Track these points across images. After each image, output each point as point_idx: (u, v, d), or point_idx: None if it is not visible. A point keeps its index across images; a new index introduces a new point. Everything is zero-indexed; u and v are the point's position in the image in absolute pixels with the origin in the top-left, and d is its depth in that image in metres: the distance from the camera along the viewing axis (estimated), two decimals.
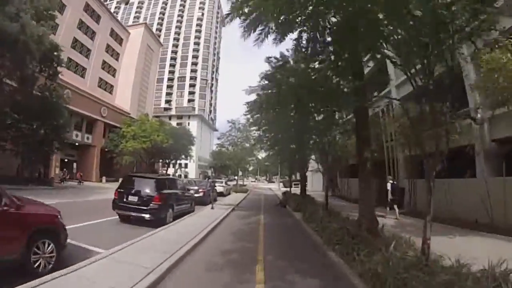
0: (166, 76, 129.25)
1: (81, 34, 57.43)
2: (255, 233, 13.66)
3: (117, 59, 71.00)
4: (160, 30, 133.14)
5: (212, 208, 20.02)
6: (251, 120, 26.45)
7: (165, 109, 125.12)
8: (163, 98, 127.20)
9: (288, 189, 42.33)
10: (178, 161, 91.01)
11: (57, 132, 33.47)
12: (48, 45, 28.51)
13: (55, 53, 30.61)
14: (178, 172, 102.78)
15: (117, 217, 14.41)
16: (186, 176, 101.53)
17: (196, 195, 22.87)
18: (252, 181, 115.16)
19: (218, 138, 61.26)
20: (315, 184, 51.48)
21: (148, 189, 13.93)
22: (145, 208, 13.40)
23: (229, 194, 37.52)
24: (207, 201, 22.87)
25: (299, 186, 51.42)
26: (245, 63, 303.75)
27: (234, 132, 44.81)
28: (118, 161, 53.93)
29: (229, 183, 47.85)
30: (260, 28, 10.61)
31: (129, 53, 74.49)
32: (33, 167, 37.52)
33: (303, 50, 11.42)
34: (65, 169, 48.23)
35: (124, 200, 13.82)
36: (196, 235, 11.44)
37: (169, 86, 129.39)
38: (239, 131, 44.52)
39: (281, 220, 18.56)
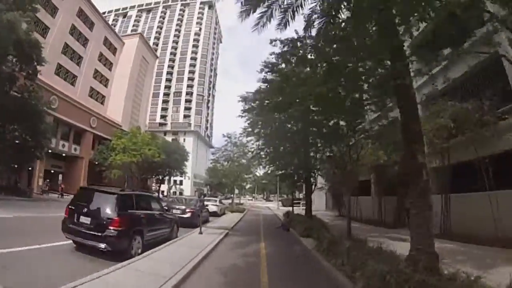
0: (162, 91, 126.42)
1: (73, 40, 54.32)
2: (255, 272, 9.66)
3: (110, 69, 67.57)
4: (157, 44, 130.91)
5: (201, 233, 15.80)
6: (249, 129, 22.83)
7: (160, 124, 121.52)
8: (159, 113, 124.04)
9: (290, 208, 38.45)
10: (173, 178, 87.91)
11: (37, 138, 30.06)
12: (23, 36, 25.36)
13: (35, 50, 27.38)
14: (173, 189, 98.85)
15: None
16: (181, 193, 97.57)
17: (182, 215, 18.90)
18: (249, 199, 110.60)
19: (213, 154, 57.34)
20: (316, 203, 47.40)
21: (106, 208, 9.69)
22: (100, 234, 9.24)
23: (223, 214, 33.12)
24: (196, 223, 18.28)
25: (300, 205, 47.59)
26: (243, 83, 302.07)
27: (230, 147, 40.82)
28: (107, 175, 49.84)
29: (224, 201, 43.76)
30: (262, 7, 9.12)
31: (123, 63, 71.11)
32: (9, 175, 34.40)
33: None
34: (47, 180, 44.63)
35: (75, 221, 9.72)
36: (167, 280, 7.43)
37: (165, 101, 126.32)
38: (235, 146, 40.56)
39: (287, 249, 14.56)
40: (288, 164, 24.25)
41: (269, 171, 32.33)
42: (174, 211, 18.98)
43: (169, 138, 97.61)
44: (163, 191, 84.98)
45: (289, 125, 20.65)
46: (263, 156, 25.40)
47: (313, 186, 25.19)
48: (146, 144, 48.84)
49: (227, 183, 54.13)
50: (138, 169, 51.92)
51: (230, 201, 57.89)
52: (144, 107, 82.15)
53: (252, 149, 24.92)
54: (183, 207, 20.19)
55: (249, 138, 24.68)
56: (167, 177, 67.66)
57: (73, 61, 54.89)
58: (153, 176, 63.55)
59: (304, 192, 58.27)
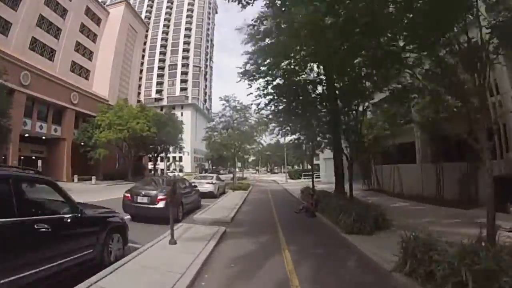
0: (156, 64, 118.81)
1: (49, 11, 47.39)
2: None
3: (94, 41, 60.25)
4: (149, 18, 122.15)
5: (174, 241, 8.41)
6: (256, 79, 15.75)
7: (156, 99, 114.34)
8: (154, 88, 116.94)
9: (303, 181, 31.92)
10: (171, 154, 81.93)
11: None
12: None
13: None
14: (172, 166, 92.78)
15: None
16: (181, 170, 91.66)
17: (152, 206, 12.11)
18: (252, 173, 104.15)
19: (210, 122, 50.45)
20: (326, 174, 40.67)
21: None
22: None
23: (223, 193, 26.15)
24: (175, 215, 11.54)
25: (312, 177, 40.95)
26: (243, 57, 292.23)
27: (229, 112, 33.51)
28: (92, 156, 43.17)
29: (224, 176, 36.89)
30: None
31: (109, 34, 63.56)
32: None
33: None
34: (22, 167, 37.12)
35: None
36: None
37: (160, 75, 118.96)
38: (234, 111, 33.30)
39: (338, 268, 7.27)
40: (308, 123, 17.42)
41: (279, 136, 25.31)
42: (139, 199, 12.29)
43: None
44: (162, 170, 78.92)
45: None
46: (274, 109, 18.23)
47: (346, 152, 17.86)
48: (134, 118, 42.24)
49: (228, 156, 48.08)
50: (130, 147, 45.73)
51: (232, 176, 51.88)
52: (134, 79, 74.59)
53: (260, 108, 17.51)
54: (153, 192, 12.54)
55: (255, 93, 16.86)
56: (163, 154, 61.38)
57: (50, 34, 48.22)
58: (148, 154, 57.37)
59: (317, 162, 51.77)
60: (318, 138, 19.99)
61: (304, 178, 51.08)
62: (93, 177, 40.67)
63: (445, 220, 11.55)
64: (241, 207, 18.13)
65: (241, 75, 15.36)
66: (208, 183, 24.21)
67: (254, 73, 15.00)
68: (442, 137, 16.34)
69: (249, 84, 15.61)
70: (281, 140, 47.56)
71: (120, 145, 45.41)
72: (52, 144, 45.77)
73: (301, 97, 16.01)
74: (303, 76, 15.97)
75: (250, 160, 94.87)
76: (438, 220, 11.49)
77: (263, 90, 16.00)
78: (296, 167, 79.63)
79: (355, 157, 15.79)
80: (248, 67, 15.05)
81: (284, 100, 16.77)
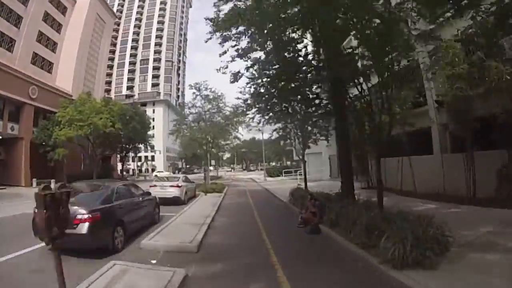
0: (127, 60, 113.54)
1: None
2: None
3: (58, 31, 54.90)
4: (121, 12, 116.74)
5: None
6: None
7: (127, 96, 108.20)
8: (125, 85, 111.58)
9: (294, 182, 28.69)
10: (143, 154, 77.75)
11: None
12: None
13: None
14: (144, 166, 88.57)
15: None
16: (153, 170, 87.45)
17: (73, 231, 7.16)
18: (228, 171, 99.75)
19: (178, 115, 46.06)
20: (311, 170, 37.19)
21: None
22: None
23: (193, 197, 21.76)
24: (102, 244, 8.20)
25: (296, 174, 37.60)
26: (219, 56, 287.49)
27: (200, 101, 29.60)
28: (52, 157, 38.77)
29: (193, 177, 32.41)
30: None
31: (75, 24, 58.25)
32: None
33: None
34: None
35: None
36: None
37: (131, 71, 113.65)
38: (206, 100, 29.38)
39: None
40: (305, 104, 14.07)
41: (260, 125, 21.61)
42: None
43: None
44: (134, 170, 74.69)
45: None
46: (258, 95, 14.58)
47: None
48: (97, 113, 38.11)
49: (202, 154, 44.57)
50: (92, 145, 41.52)
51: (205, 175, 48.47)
52: (101, 73, 69.05)
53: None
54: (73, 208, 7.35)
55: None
56: (132, 153, 57.52)
57: (10, 22, 43.17)
58: (116, 153, 53.25)
59: (297, 158, 48.28)
60: (310, 128, 16.65)
61: (284, 176, 47.36)
62: (52, 180, 36.10)
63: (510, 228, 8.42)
64: (214, 218, 14.03)
65: (213, 28, 11.24)
66: (173, 186, 19.27)
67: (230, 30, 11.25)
68: (473, 119, 13.30)
69: (221, 44, 11.56)
70: (258, 137, 44.21)
71: (83, 144, 41.22)
72: (9, 144, 40.88)
73: (297, 75, 12.55)
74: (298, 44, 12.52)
75: (225, 158, 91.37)
76: (502, 229, 8.39)
77: (243, 58, 12.06)
78: (273, 163, 76.02)
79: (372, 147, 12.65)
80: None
81: (271, 74, 13.21)
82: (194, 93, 29.07)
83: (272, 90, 13.88)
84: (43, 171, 40.35)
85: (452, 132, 15.65)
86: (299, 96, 14.23)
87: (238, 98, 16.70)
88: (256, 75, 13.57)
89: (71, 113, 37.34)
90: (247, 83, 14.01)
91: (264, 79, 13.71)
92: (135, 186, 12.16)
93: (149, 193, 12.70)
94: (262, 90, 14.24)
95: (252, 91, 14.87)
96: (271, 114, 16.90)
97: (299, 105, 15.52)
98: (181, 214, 14.42)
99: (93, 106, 38.88)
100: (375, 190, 16.60)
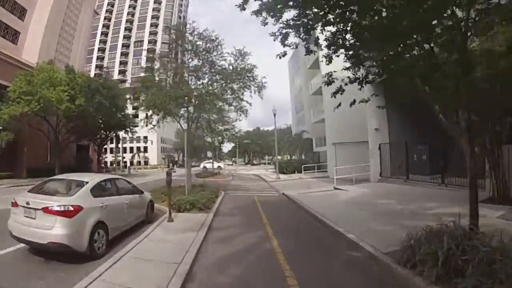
0: (120, 42, 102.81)
1: None
2: None
3: None
4: None
5: None
6: None
7: (119, 81, 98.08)
8: (117, 68, 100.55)
9: (343, 186, 18.19)
10: (135, 144, 67.62)
11: None
12: None
13: None
14: (136, 158, 78.09)
15: None
16: (146, 163, 77.22)
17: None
18: (228, 165, 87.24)
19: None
20: (345, 165, 25.90)
21: None
22: None
23: (147, 222, 9.98)
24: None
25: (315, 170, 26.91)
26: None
27: (194, 39, 17.75)
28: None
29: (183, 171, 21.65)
30: None
31: None
32: None
33: None
34: None
35: None
36: None
37: (124, 54, 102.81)
38: (200, 38, 17.88)
39: None
40: None
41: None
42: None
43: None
44: (125, 162, 64.12)
45: None
46: None
47: None
48: (52, 84, 27.68)
49: (200, 146, 34.33)
50: (53, 129, 31.41)
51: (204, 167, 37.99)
52: (79, 47, 57.80)
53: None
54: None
55: None
56: (115, 142, 46.96)
57: None
58: (93, 141, 42.62)
59: (318, 150, 37.14)
60: None
61: (305, 173, 34.60)
62: None
63: None
64: None
65: None
66: (53, 211, 6.31)
67: None
68: None
69: None
70: (263, 127, 33.36)
71: (42, 127, 31.19)
72: None
73: None
74: None
75: (225, 149, 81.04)
76: None
77: None
78: (285, 157, 61.26)
79: None
80: None
81: None
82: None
83: None
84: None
85: None
86: None
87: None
88: None
89: (20, 84, 27.20)
90: None
91: None
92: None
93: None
94: None
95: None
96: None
97: None
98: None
99: (49, 76, 28.35)
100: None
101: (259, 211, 13.56)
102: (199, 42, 16.94)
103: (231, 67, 16.99)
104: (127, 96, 34.47)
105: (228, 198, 17.80)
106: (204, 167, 66.23)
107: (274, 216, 12.25)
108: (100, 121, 35.00)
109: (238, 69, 16.81)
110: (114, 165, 58.61)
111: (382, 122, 21.60)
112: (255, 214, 12.73)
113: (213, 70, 17.12)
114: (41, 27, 46.29)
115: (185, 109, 17.69)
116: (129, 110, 42.62)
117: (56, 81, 28.23)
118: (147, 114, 18.14)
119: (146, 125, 18.71)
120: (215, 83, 17.24)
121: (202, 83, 17.41)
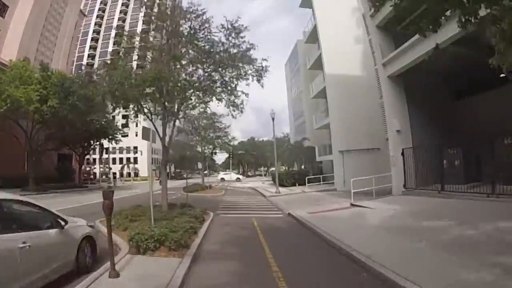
0: (110, 48, 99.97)
1: None
2: None
3: None
4: None
5: None
6: None
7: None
8: None
9: (364, 203, 14.60)
10: (125, 155, 64.30)
11: None
12: None
13: None
14: (126, 170, 74.75)
15: None
16: (136, 175, 73.88)
17: None
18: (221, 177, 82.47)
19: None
20: (348, 176, 22.66)
21: None
22: None
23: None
24: None
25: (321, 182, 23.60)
26: None
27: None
28: None
29: (178, 183, 18.16)
30: None
31: None
32: None
33: None
34: None
35: None
36: None
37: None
38: (183, 17, 14.29)
39: None
40: None
41: None
42: None
43: None
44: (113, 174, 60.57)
45: None
46: None
47: None
48: (23, 83, 24.48)
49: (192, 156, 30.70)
50: (26, 134, 28.38)
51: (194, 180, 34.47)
52: (63, 47, 54.69)
53: None
54: None
55: None
56: (99, 152, 43.65)
57: None
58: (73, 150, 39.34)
59: (321, 159, 33.86)
60: None
61: (309, 186, 30.24)
62: None
63: None
64: None
65: None
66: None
67: None
68: None
69: None
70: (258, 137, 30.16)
71: (17, 132, 28.22)
72: None
73: None
74: None
75: (218, 161, 77.78)
76: None
77: None
78: (282, 167, 56.52)
79: None
80: None
81: None
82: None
83: None
84: None
85: None
86: None
87: None
88: None
89: None
90: None
91: None
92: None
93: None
94: None
95: None
96: None
97: None
98: None
99: (20, 74, 25.13)
100: None
101: (262, 247, 9.08)
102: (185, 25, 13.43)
103: (221, 47, 13.17)
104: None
105: (218, 223, 13.40)
106: (222, 178, 62.56)
107: (287, 258, 7.90)
108: (79, 127, 30.67)
109: (230, 51, 13.06)
110: (100, 177, 55.17)
111: (404, 123, 18.29)
112: (257, 254, 8.32)
113: (196, 49, 13.19)
114: (22, 25, 43.28)
115: (157, 100, 13.51)
116: (118, 116, 38.79)
117: (28, 80, 24.98)
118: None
119: (127, 126, 15.27)
120: (199, 69, 13.57)
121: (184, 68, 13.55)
